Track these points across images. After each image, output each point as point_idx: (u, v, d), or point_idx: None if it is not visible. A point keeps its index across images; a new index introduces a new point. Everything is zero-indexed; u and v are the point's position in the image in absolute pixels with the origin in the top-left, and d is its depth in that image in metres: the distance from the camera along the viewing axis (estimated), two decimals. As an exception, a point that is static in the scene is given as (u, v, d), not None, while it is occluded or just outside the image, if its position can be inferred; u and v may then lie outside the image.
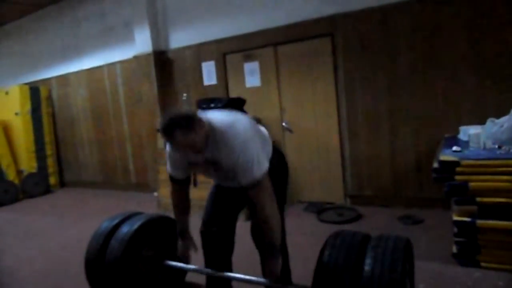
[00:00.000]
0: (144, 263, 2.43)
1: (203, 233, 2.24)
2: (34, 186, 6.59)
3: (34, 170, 6.66)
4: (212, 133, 1.79)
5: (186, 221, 2.25)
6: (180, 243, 2.26)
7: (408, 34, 3.84)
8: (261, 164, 1.80)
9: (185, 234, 2.25)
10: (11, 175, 6.38)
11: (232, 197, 2.13)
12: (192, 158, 1.80)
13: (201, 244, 2.26)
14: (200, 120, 1.74)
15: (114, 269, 2.27)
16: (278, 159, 2.16)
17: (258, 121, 2.35)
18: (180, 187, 2.14)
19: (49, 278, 3.20)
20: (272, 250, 1.89)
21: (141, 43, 5.44)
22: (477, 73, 3.58)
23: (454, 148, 2.86)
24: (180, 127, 1.68)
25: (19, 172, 6.56)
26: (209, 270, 2.23)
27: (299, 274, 2.04)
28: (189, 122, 1.70)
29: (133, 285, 2.34)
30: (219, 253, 2.26)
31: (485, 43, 3.52)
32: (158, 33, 5.45)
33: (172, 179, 2.12)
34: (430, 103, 3.82)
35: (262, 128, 2.14)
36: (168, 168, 2.10)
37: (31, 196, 6.50)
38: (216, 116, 1.86)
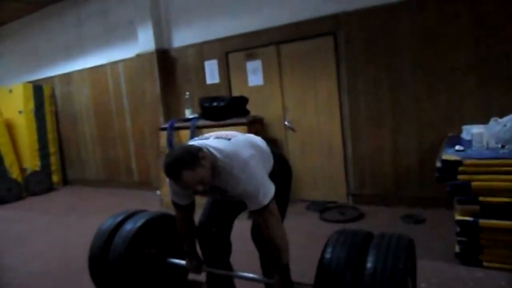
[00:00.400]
0: (147, 260, 2.44)
1: (200, 233, 2.23)
2: (37, 184, 6.62)
3: (37, 168, 6.69)
4: (216, 164, 1.79)
5: (193, 243, 2.25)
6: (188, 262, 2.27)
7: (411, 33, 3.83)
8: (267, 191, 1.80)
9: (192, 255, 2.25)
10: (14, 173, 6.41)
11: (232, 201, 2.13)
12: (198, 189, 1.80)
13: (199, 244, 2.27)
14: (203, 153, 1.74)
15: (118, 266, 2.29)
16: (280, 164, 2.16)
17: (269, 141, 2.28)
18: (185, 213, 2.13)
19: (52, 275, 3.22)
20: (280, 271, 1.89)
21: (144, 41, 5.45)
22: (480, 72, 3.57)
23: (457, 147, 2.86)
24: (187, 166, 1.68)
25: (22, 170, 6.59)
26: (216, 269, 2.24)
27: (301, 273, 2.04)
28: (195, 159, 1.69)
29: (136, 282, 2.36)
30: (217, 253, 2.27)
31: (489, 42, 3.51)
32: (161, 31, 5.46)
33: (175, 205, 2.10)
34: (433, 102, 3.81)
35: (260, 142, 2.11)
36: (170, 195, 2.09)
37: (34, 194, 6.53)
38: (217, 146, 1.84)
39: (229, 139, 1.91)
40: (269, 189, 1.82)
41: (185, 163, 1.68)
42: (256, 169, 1.82)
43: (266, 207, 1.79)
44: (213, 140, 1.92)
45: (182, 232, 2.21)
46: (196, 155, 1.71)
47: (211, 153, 1.79)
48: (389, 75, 3.99)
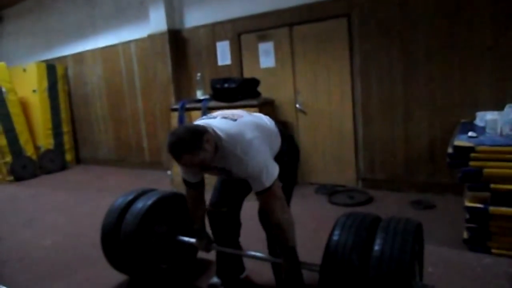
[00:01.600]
0: (158, 238, 2.49)
1: (211, 213, 2.27)
2: (51, 162, 6.75)
3: (51, 147, 6.81)
4: (220, 145, 1.79)
5: (203, 222, 2.28)
6: (197, 241, 2.31)
7: (426, 17, 3.75)
8: (270, 172, 1.81)
9: (202, 234, 2.29)
10: (29, 151, 6.54)
11: (241, 181, 2.16)
12: (201, 168, 1.86)
13: (209, 224, 2.31)
14: (207, 136, 1.73)
15: (129, 243, 2.34)
16: (288, 144, 2.16)
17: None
18: (195, 191, 2.15)
19: (66, 250, 3.31)
20: (286, 253, 1.91)
21: (156, 21, 5.42)
22: (496, 58, 3.48)
23: (470, 133, 2.81)
24: (188, 151, 1.69)
25: (36, 148, 6.71)
26: (225, 248, 2.28)
27: (308, 254, 2.07)
28: (196, 144, 1.70)
29: (146, 259, 2.41)
30: (227, 233, 2.30)
31: (505, 29, 3.41)
32: (173, 11, 5.42)
33: (186, 182, 2.13)
34: (447, 88, 3.75)
35: (268, 121, 2.11)
36: (181, 172, 2.12)
37: (48, 172, 6.67)
38: (222, 127, 1.83)
39: (235, 120, 1.91)
40: (273, 171, 1.82)
41: (186, 147, 1.69)
42: (259, 150, 1.82)
43: (269, 188, 1.80)
44: (219, 120, 1.92)
45: (192, 210, 2.25)
46: (199, 140, 1.70)
47: (216, 133, 1.80)
48: (402, 58, 3.93)
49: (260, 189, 1.82)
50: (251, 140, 1.81)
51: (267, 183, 1.79)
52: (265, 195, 1.83)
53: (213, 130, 1.80)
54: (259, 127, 1.95)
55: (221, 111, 2.11)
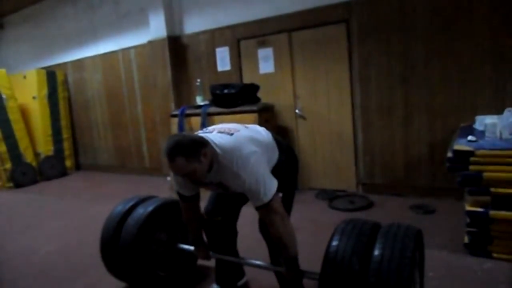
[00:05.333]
0: (158, 245, 2.48)
1: (206, 222, 2.25)
2: (50, 169, 6.74)
3: (50, 153, 6.81)
4: (216, 160, 1.78)
5: (199, 233, 2.27)
6: (195, 250, 2.31)
7: (425, 22, 3.76)
8: (268, 187, 1.79)
9: (199, 243, 2.28)
10: (29, 158, 6.54)
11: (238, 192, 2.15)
12: (192, 181, 1.84)
13: (204, 232, 2.30)
14: (205, 148, 1.73)
15: (129, 250, 2.33)
16: (286, 154, 2.15)
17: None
18: (190, 204, 2.13)
19: (65, 257, 3.30)
20: (289, 264, 1.90)
21: (156, 28, 5.45)
22: (495, 62, 3.49)
23: (469, 137, 2.81)
24: (184, 154, 1.68)
25: (36, 154, 6.71)
26: (225, 256, 2.27)
27: (308, 261, 2.06)
28: (194, 152, 1.70)
29: (146, 266, 2.40)
30: (222, 241, 2.29)
31: (504, 32, 3.42)
32: (172, 18, 5.44)
33: (180, 196, 2.11)
34: (446, 92, 3.76)
35: (265, 134, 2.09)
36: (174, 186, 2.09)
37: (48, 178, 6.66)
38: (218, 142, 1.82)
39: (231, 134, 1.89)
40: (271, 186, 1.81)
41: (183, 151, 1.68)
42: (257, 166, 1.80)
43: (268, 204, 1.79)
44: (216, 134, 1.90)
45: (188, 222, 2.23)
46: (198, 150, 1.71)
47: (212, 148, 1.78)
48: (401, 64, 3.94)
49: (259, 204, 1.80)
50: (248, 155, 1.79)
51: (266, 198, 1.78)
52: (264, 210, 1.82)
53: (209, 144, 1.79)
54: (255, 140, 1.93)
55: (217, 125, 2.09)
